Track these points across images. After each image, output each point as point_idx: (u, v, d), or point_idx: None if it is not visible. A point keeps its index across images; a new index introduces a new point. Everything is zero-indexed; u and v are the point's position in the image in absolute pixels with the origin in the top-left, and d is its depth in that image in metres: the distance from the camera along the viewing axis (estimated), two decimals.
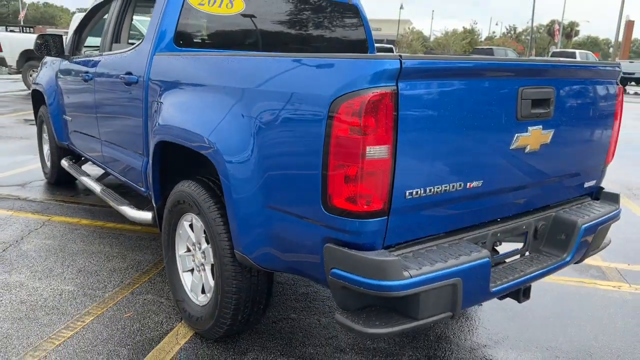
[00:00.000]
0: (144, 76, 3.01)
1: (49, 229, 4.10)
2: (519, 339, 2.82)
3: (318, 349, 2.61)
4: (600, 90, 2.50)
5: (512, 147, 2.09)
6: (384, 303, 1.88)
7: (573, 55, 27.89)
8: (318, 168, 1.80)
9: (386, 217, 1.78)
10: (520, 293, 2.33)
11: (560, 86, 2.24)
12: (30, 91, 5.67)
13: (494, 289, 2.06)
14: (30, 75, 13.64)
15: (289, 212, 1.99)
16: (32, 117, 5.79)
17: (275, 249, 2.11)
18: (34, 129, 5.84)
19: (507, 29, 65.89)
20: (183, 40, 3.08)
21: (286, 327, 2.81)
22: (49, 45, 4.37)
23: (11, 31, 15.44)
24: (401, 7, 60.09)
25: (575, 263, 2.59)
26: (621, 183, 6.41)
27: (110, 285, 3.21)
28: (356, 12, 3.86)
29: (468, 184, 1.99)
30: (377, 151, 1.70)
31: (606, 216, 2.54)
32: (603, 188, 2.79)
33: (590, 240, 2.49)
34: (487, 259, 1.95)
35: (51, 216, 4.38)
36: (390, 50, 31.47)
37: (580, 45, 67.39)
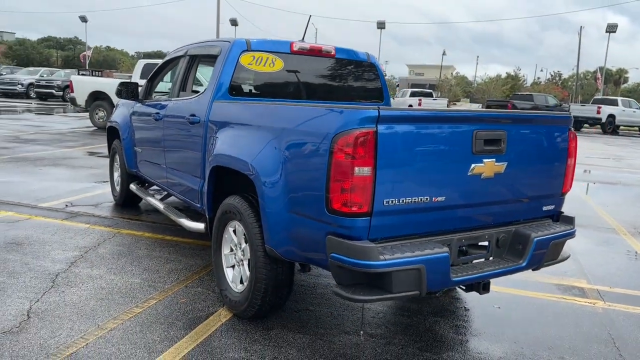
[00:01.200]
0: (205, 117, 3.92)
1: (119, 239, 5.02)
2: (493, 334, 3.46)
3: (327, 330, 3.34)
4: (551, 134, 3.22)
5: (469, 173, 2.83)
6: (367, 280, 2.63)
7: (615, 102, 28.01)
8: (323, 182, 2.60)
9: (369, 217, 2.56)
10: (480, 286, 3.03)
11: (512, 130, 2.98)
12: (95, 128, 6.74)
13: (454, 279, 2.77)
14: (96, 114, 15.17)
15: (303, 215, 2.79)
16: (98, 150, 6.85)
17: (294, 242, 2.91)
18: (101, 160, 6.91)
19: (551, 75, 65.89)
20: (235, 91, 4.00)
21: (304, 315, 3.55)
22: (127, 91, 5.43)
23: (82, 74, 17.22)
24: (444, 53, 61.39)
25: (534, 269, 3.24)
26: (630, 223, 6.89)
27: (169, 280, 4.04)
28: (373, 68, 4.72)
29: (433, 198, 2.74)
30: (362, 171, 2.49)
31: (559, 234, 3.21)
32: (562, 212, 3.46)
33: (545, 251, 3.16)
34: (446, 254, 2.67)
35: (120, 229, 5.32)
36: (430, 94, 32.41)
37: (630, 92, 66.41)
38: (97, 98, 15.12)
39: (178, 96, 4.66)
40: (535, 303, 4.02)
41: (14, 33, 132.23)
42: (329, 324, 3.44)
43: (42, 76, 29.71)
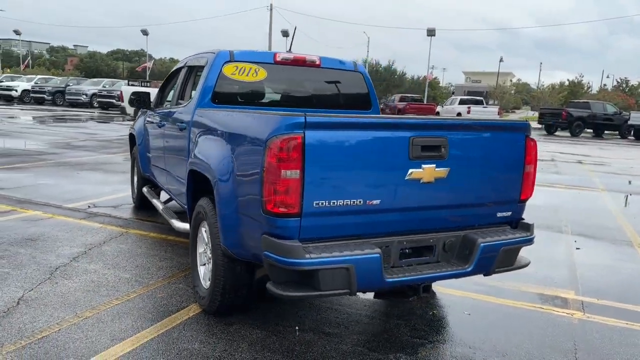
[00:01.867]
0: (190, 123, 4.19)
1: (125, 237, 5.38)
2: (450, 339, 3.49)
3: (285, 328, 3.49)
4: (503, 140, 3.24)
5: (406, 178, 2.91)
6: (298, 278, 2.76)
7: None
8: (259, 184, 2.77)
9: (299, 218, 2.70)
10: (420, 289, 3.09)
11: (455, 136, 3.04)
12: None
13: (388, 279, 2.86)
14: None
15: (248, 216, 2.97)
16: None
17: (243, 242, 3.09)
18: None
19: (617, 82, 62.70)
20: (219, 99, 4.24)
21: (268, 312, 3.71)
22: (139, 100, 5.81)
23: (132, 85, 18.21)
24: (501, 60, 59.86)
25: (485, 275, 3.26)
26: None
27: (156, 277, 4.32)
28: (361, 77, 4.84)
29: (367, 201, 2.84)
30: (291, 174, 2.64)
31: (510, 240, 3.22)
32: (522, 219, 3.45)
33: (495, 257, 3.17)
34: (378, 255, 2.77)
35: (129, 229, 5.68)
36: (481, 102, 31.77)
37: None
38: None
39: (177, 104, 4.97)
40: (509, 311, 4.00)
41: (87, 46, 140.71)
42: (289, 322, 3.58)
43: (104, 87, 31.56)
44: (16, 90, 33.94)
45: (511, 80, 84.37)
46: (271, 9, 39.20)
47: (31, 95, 33.72)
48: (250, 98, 4.47)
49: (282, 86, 4.63)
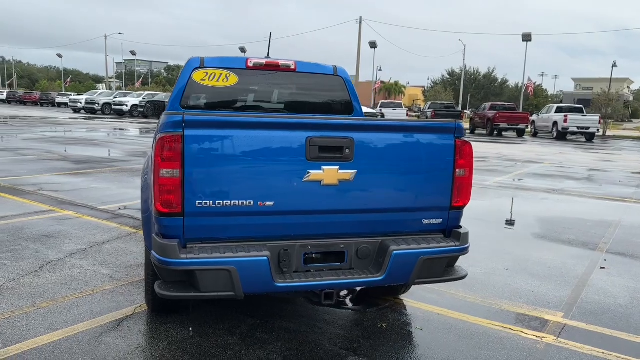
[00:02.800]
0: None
1: (130, 237, 5.68)
2: (384, 354, 3.26)
3: (214, 330, 3.48)
4: (427, 143, 3.00)
5: (304, 180, 2.80)
6: (182, 278, 2.75)
7: None
8: (152, 184, 2.81)
9: (182, 217, 2.70)
10: (322, 296, 2.93)
11: (364, 137, 2.87)
12: None
13: (279, 284, 2.76)
14: None
15: (151, 215, 3.02)
16: None
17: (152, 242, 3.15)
18: None
19: None
20: (188, 105, 4.37)
21: (207, 315, 3.73)
22: (154, 109, 6.13)
23: None
24: (614, 65, 55.08)
25: (405, 285, 3.03)
26: None
27: (133, 274, 4.52)
28: (341, 81, 4.72)
29: (259, 202, 2.77)
30: (171, 172, 2.65)
31: (430, 249, 2.96)
32: (457, 227, 3.16)
33: (412, 267, 2.94)
34: (265, 258, 2.69)
35: (139, 230, 6.00)
36: (581, 110, 29.45)
37: None
38: None
39: None
40: (468, 330, 3.66)
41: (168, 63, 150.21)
42: (221, 325, 3.57)
43: (144, 99, 35.78)
44: (126, 105, 37.32)
45: (628, 87, 77.40)
46: (360, 22, 39.43)
47: (138, 109, 36.92)
48: (221, 103, 4.55)
49: (255, 91, 4.66)
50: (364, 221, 3.00)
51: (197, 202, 2.70)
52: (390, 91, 78.53)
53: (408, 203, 3.04)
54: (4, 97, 61.84)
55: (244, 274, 2.67)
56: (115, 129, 24.19)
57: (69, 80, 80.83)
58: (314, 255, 2.96)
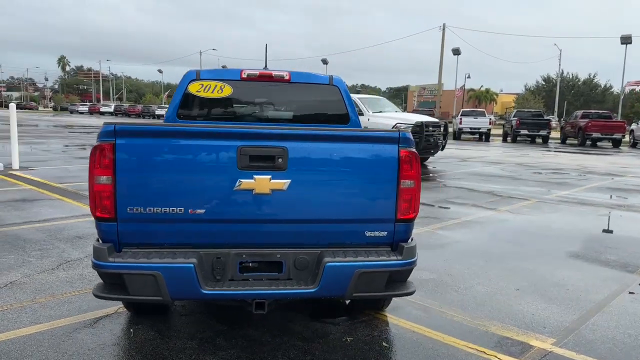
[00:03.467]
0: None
1: None
2: None
3: (176, 333, 3.59)
4: (368, 153, 2.91)
5: (235, 188, 2.82)
6: (116, 281, 2.87)
7: None
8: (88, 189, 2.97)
9: (116, 223, 2.83)
10: (253, 306, 2.92)
11: (299, 146, 2.84)
12: None
13: (206, 292, 2.80)
14: None
15: None
16: None
17: None
18: None
19: None
20: (183, 115, 4.56)
21: (184, 319, 3.85)
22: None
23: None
24: None
25: (343, 299, 2.94)
26: None
27: None
28: (336, 90, 4.67)
29: (190, 210, 2.83)
30: (104, 179, 2.80)
31: (370, 263, 2.86)
32: (405, 241, 3.02)
33: (349, 280, 2.85)
34: (191, 265, 2.75)
35: None
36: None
37: None
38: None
39: None
40: (436, 351, 3.46)
41: None
42: (188, 329, 3.66)
43: None
44: None
45: None
46: (443, 30, 38.60)
47: None
48: (215, 114, 4.68)
49: (249, 102, 4.75)
50: (300, 232, 2.96)
51: (129, 208, 2.82)
52: (481, 99, 75.84)
53: (347, 214, 2.96)
54: (111, 109, 67.71)
55: (170, 279, 2.74)
56: None
57: (166, 94, 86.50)
58: (250, 264, 2.96)
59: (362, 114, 14.72)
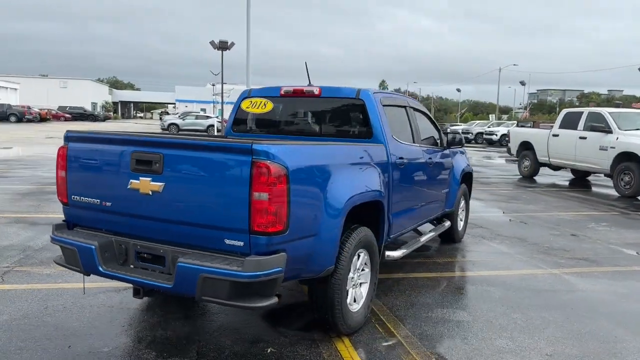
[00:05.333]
0: None
1: None
2: None
3: (169, 314, 4.21)
4: (224, 164, 3.02)
5: (128, 187, 3.31)
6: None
7: None
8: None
9: (68, 207, 3.67)
10: (140, 292, 3.39)
11: (171, 153, 3.16)
12: (520, 177, 7.34)
13: (103, 270, 3.38)
14: (522, 163, 15.68)
15: None
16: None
17: None
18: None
19: None
20: (237, 128, 5.19)
21: (178, 300, 4.45)
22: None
23: (521, 126, 17.96)
24: None
25: (195, 300, 3.09)
26: None
27: None
28: (362, 104, 4.51)
29: (103, 202, 3.46)
30: (62, 174, 3.67)
31: (210, 269, 2.94)
32: (266, 254, 2.97)
33: (195, 282, 2.99)
34: (92, 246, 3.38)
35: None
36: None
37: None
38: (526, 148, 15.71)
39: None
40: None
41: (622, 90, 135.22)
42: (149, 322, 4.09)
43: (489, 127, 39.38)
44: (496, 135, 37.97)
45: None
46: None
47: (506, 139, 36.95)
48: (258, 127, 5.12)
49: (286, 116, 5.01)
50: (172, 231, 3.23)
51: (73, 196, 3.62)
52: None
53: (205, 220, 3.09)
54: None
55: (82, 255, 3.42)
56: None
57: (463, 111, 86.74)
58: (145, 254, 3.38)
59: (609, 132, 12.45)
